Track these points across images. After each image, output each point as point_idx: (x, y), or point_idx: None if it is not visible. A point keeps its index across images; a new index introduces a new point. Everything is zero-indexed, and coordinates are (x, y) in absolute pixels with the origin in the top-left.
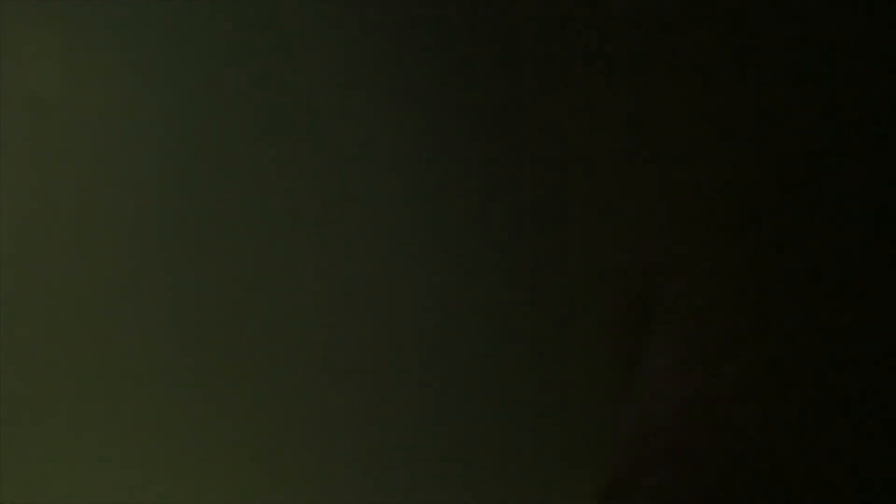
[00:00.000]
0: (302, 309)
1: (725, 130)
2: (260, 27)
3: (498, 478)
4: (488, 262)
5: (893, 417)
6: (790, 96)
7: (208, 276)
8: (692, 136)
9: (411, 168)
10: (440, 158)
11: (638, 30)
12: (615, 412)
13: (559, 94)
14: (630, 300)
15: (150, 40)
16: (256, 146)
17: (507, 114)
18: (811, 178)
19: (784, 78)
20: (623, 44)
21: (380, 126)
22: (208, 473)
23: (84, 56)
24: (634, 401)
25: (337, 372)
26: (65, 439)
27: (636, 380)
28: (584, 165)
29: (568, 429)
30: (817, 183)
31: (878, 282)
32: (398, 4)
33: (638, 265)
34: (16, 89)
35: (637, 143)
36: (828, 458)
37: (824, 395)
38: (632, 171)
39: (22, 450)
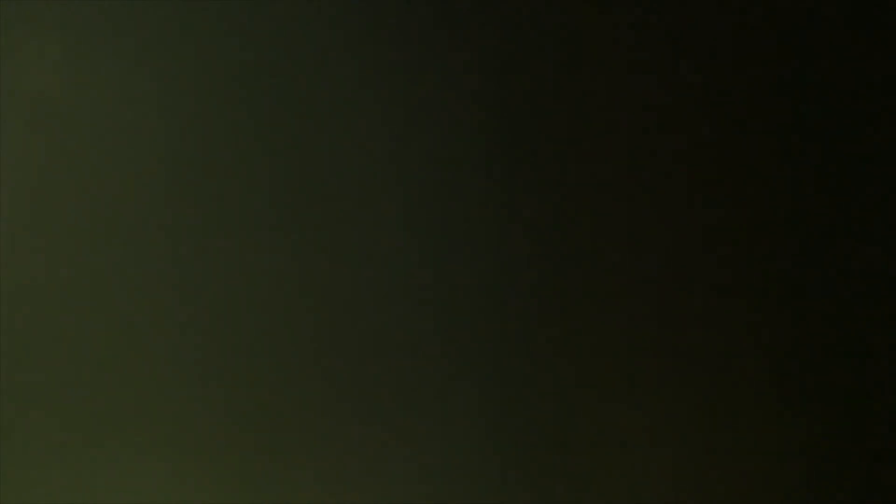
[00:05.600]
0: (304, 308)
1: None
2: (260, 28)
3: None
4: (491, 262)
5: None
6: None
7: (208, 274)
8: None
9: (414, 168)
10: (443, 158)
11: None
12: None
13: (563, 94)
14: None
15: (150, 41)
16: (257, 145)
17: (511, 115)
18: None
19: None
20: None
21: (383, 126)
22: (207, 472)
23: (84, 57)
24: None
25: (338, 371)
26: (65, 439)
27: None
28: (590, 165)
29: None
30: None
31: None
32: (409, 5)
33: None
34: (16, 89)
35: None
36: None
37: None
38: (638, 171)
39: (22, 450)
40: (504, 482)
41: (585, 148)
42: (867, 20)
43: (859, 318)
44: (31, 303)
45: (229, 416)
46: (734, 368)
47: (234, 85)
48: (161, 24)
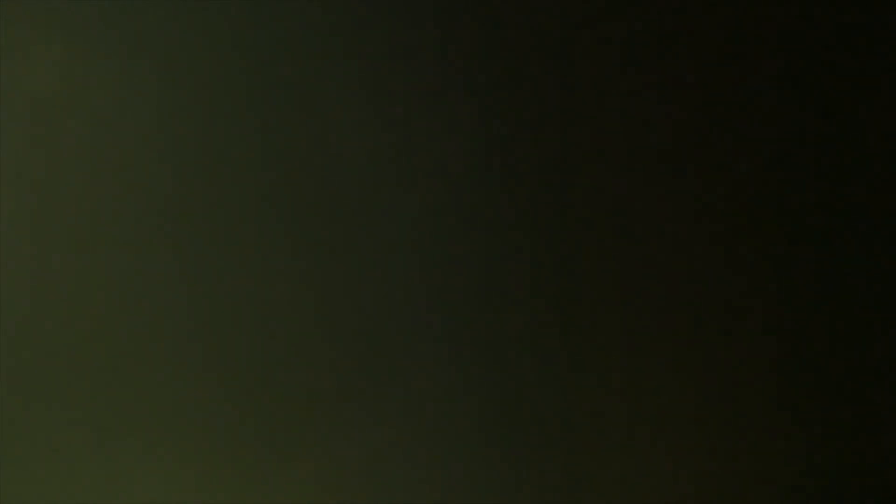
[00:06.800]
0: (305, 308)
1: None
2: (260, 28)
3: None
4: (490, 261)
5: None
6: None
7: (210, 273)
8: (698, 137)
9: (413, 168)
10: (443, 159)
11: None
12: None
13: (563, 94)
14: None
15: (150, 42)
16: (257, 146)
17: (510, 114)
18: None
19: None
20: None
21: (381, 126)
22: (208, 472)
23: (84, 57)
24: None
25: (338, 370)
26: (65, 440)
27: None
28: (589, 165)
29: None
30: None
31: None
32: (404, 5)
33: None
34: (16, 89)
35: (641, 144)
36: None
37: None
38: (637, 170)
39: (23, 450)
40: (503, 482)
41: (585, 147)
42: (867, 20)
43: (860, 318)
44: (32, 303)
45: (230, 416)
46: (734, 368)
47: (235, 85)
48: (161, 24)
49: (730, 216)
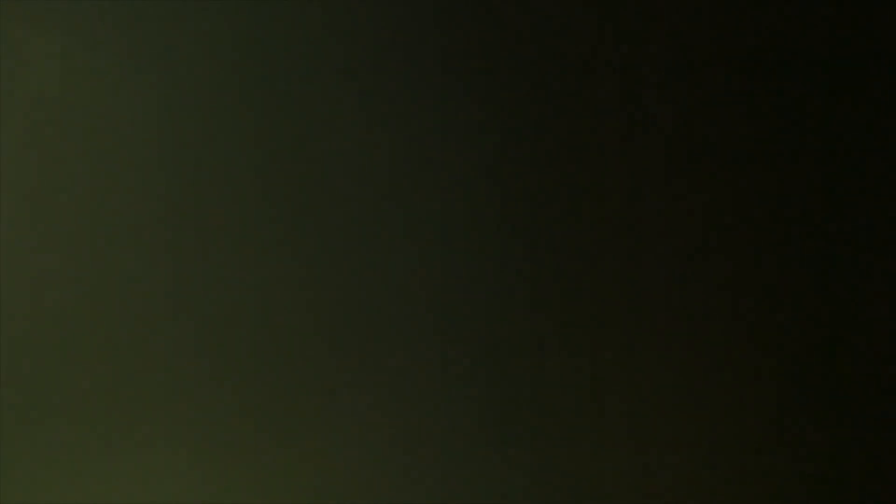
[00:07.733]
0: (304, 308)
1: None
2: (260, 28)
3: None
4: (490, 261)
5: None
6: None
7: (209, 271)
8: (696, 137)
9: (413, 169)
10: (442, 160)
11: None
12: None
13: (562, 94)
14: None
15: (150, 41)
16: (257, 146)
17: (510, 114)
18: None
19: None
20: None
21: (381, 126)
22: (207, 470)
23: (84, 56)
24: None
25: (338, 367)
26: (66, 439)
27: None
28: (589, 164)
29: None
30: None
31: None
32: (404, 5)
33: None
34: (16, 89)
35: (638, 143)
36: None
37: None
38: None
39: (25, 449)
40: (502, 481)
41: (585, 148)
42: (867, 21)
43: (860, 318)
44: (32, 302)
45: (230, 416)
46: (734, 368)
47: (235, 85)
48: (161, 23)
49: (730, 217)
